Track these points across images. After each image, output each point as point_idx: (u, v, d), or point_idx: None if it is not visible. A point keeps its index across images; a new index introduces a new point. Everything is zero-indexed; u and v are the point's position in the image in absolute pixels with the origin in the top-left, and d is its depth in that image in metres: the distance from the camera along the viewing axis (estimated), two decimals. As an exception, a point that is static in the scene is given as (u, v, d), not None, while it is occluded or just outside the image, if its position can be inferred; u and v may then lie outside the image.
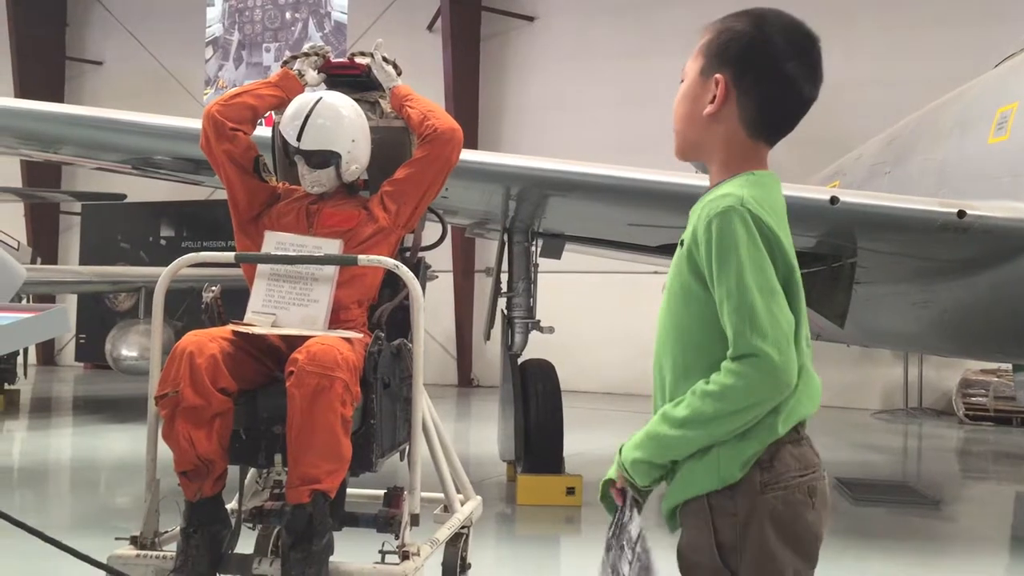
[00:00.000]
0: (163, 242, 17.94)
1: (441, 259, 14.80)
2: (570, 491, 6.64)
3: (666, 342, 1.81)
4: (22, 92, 18.00)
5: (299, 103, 3.54)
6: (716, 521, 1.72)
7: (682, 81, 1.89)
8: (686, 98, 1.86)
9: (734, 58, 1.78)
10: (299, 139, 3.48)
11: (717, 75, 1.79)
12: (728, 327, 1.67)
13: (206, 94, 17.93)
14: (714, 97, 1.80)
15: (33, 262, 13.49)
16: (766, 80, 1.77)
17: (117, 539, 3.15)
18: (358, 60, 3.85)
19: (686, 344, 1.77)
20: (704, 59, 1.83)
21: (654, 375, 1.86)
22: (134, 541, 3.11)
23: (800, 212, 6.03)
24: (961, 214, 5.45)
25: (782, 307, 1.67)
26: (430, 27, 16.91)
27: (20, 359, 12.46)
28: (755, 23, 1.78)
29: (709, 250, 1.70)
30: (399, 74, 3.80)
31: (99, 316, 16.12)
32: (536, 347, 7.42)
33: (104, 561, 3.01)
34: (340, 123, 3.52)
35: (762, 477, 1.70)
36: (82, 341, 17.96)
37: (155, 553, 3.07)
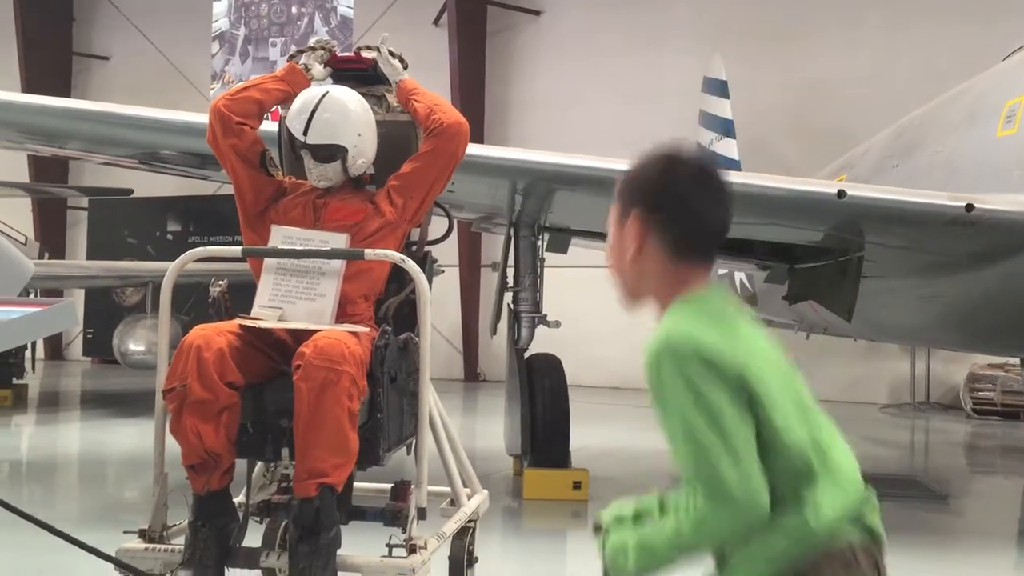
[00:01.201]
0: (170, 237, 17.98)
1: (447, 253, 14.76)
2: (576, 485, 6.63)
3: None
4: (29, 87, 18.03)
5: (305, 97, 3.54)
6: None
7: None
8: (613, 249, 1.86)
9: (641, 197, 1.80)
10: (305, 133, 3.48)
11: (630, 213, 1.80)
12: (683, 470, 1.64)
13: (212, 89, 17.95)
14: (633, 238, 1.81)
15: (40, 257, 13.52)
16: (676, 216, 1.79)
17: (125, 532, 3.16)
18: (364, 54, 3.85)
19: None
20: (619, 206, 1.84)
21: None
22: (142, 534, 3.12)
23: (807, 206, 6.01)
24: (969, 207, 5.43)
25: (733, 434, 1.61)
26: (436, 21, 16.91)
27: (28, 353, 12.49)
28: (655, 164, 1.81)
29: (651, 395, 1.69)
30: (405, 68, 3.79)
31: (106, 311, 16.14)
32: (542, 341, 7.42)
33: (113, 554, 3.03)
34: (346, 117, 3.51)
35: None
36: (90, 336, 18.01)
37: (163, 546, 3.08)
